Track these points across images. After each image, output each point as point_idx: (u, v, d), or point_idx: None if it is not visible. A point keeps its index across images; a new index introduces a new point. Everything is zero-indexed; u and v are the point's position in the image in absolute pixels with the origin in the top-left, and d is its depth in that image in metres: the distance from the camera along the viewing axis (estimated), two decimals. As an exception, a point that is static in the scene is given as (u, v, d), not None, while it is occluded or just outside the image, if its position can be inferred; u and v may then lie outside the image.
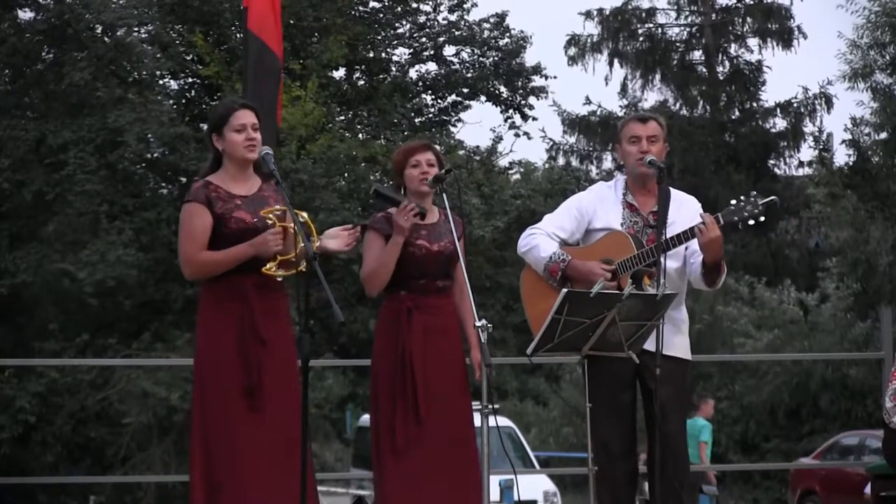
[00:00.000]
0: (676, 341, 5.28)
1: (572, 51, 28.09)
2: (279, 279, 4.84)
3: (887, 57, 21.96)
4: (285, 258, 4.83)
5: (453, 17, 21.48)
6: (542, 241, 5.36)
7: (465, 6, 21.48)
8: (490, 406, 5.04)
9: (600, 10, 28.11)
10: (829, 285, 22.40)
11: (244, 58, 7.46)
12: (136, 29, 18.49)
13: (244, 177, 4.97)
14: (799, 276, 24.86)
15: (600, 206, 5.39)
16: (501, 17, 21.43)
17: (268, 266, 4.82)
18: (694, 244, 5.16)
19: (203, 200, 4.87)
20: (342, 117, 20.32)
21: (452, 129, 21.65)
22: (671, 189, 5.43)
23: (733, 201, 5.12)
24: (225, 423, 4.80)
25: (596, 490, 5.27)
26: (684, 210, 5.30)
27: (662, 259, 5.14)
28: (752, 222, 5.06)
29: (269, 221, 4.83)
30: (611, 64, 28.18)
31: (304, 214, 4.87)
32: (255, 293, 4.84)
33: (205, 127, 19.45)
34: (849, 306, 21.19)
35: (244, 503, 4.76)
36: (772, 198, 5.17)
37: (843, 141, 21.99)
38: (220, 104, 5.19)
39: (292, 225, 4.76)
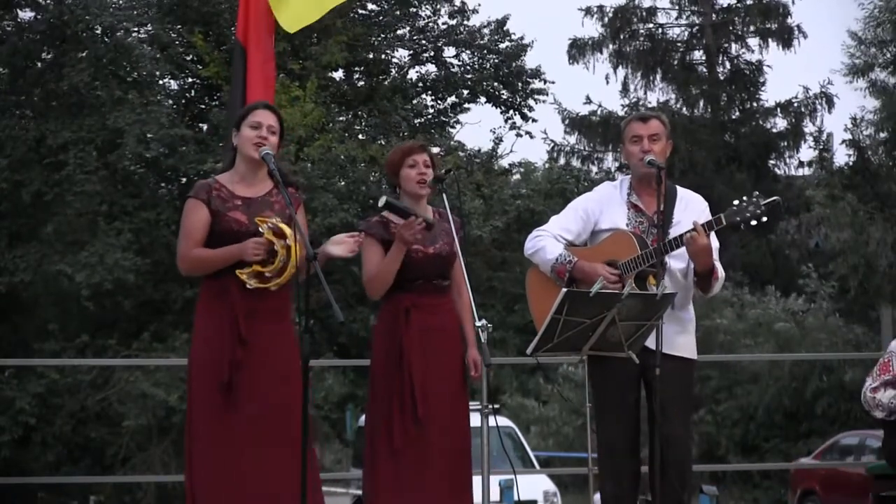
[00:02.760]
0: (681, 341, 5.27)
1: (574, 51, 28.10)
2: (249, 287, 4.83)
3: (888, 55, 21.96)
4: (260, 269, 4.83)
5: (453, 23, 21.50)
6: (548, 242, 5.37)
7: (465, 13, 21.50)
8: (490, 406, 5.04)
9: (601, 8, 28.13)
10: (818, 288, 22.36)
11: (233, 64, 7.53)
12: (135, 29, 18.49)
13: (254, 178, 4.99)
14: (798, 277, 24.83)
15: (606, 206, 5.39)
16: (502, 22, 21.44)
17: (242, 270, 4.83)
18: None
19: (202, 197, 4.90)
20: (342, 118, 20.32)
21: (451, 130, 21.67)
22: (678, 188, 5.42)
23: (736, 201, 5.12)
24: (204, 418, 4.84)
25: (599, 489, 5.27)
26: (690, 209, 5.31)
27: (665, 260, 5.14)
28: (754, 223, 5.06)
29: (260, 230, 4.84)
30: (613, 64, 28.19)
31: (304, 231, 4.88)
32: (239, 293, 4.85)
33: (205, 127, 19.61)
34: (841, 308, 21.18)
35: (220, 499, 4.77)
36: (774, 198, 5.17)
37: (843, 141, 21.99)
38: (248, 105, 5.25)
39: (277, 240, 4.77)
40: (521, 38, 21.37)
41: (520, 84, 21.47)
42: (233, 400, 4.82)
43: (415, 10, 21.49)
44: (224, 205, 4.90)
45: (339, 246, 5.01)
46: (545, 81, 21.59)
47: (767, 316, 22.08)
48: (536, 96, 21.68)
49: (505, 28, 21.39)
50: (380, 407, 5.16)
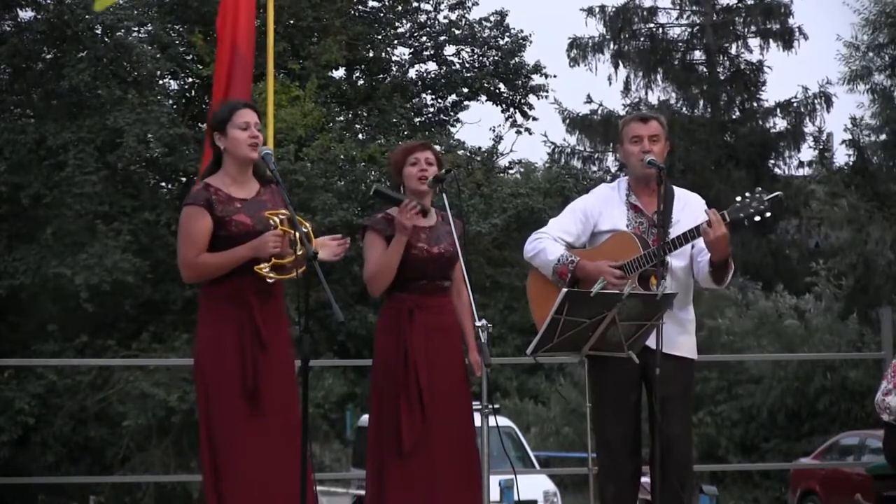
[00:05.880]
0: (681, 341, 5.26)
1: (574, 52, 28.10)
2: (270, 281, 4.82)
3: (886, 58, 21.98)
4: (280, 262, 4.81)
5: (454, 16, 21.52)
6: (548, 244, 5.35)
7: (465, 5, 21.51)
8: (490, 406, 5.03)
9: (602, 8, 28.14)
10: (824, 288, 22.36)
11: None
12: (135, 29, 18.49)
13: (244, 179, 4.95)
14: (798, 277, 24.85)
15: (605, 207, 5.37)
16: (502, 16, 21.45)
17: (261, 266, 4.80)
18: (701, 242, 5.12)
19: (203, 203, 4.83)
20: (341, 118, 20.32)
21: (452, 129, 21.68)
22: (675, 188, 5.41)
23: (738, 198, 5.08)
24: (229, 426, 4.78)
25: (599, 489, 5.26)
26: (689, 209, 5.29)
27: (668, 259, 5.13)
28: (758, 218, 5.02)
29: (272, 223, 4.82)
30: (615, 64, 28.20)
31: (307, 224, 4.87)
32: (255, 296, 4.82)
33: (205, 127, 19.61)
34: (840, 309, 21.16)
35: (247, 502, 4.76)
36: (777, 193, 5.13)
37: (843, 141, 22.00)
38: (223, 104, 5.18)
39: (292, 231, 4.75)
40: (521, 32, 21.39)
41: (520, 81, 21.49)
42: (257, 404, 4.79)
43: (416, 4, 21.51)
44: (226, 209, 4.84)
45: (323, 249, 4.98)
46: (546, 76, 21.60)
47: (774, 312, 22.04)
48: (538, 93, 21.70)
49: (505, 24, 21.40)
50: (386, 407, 5.13)
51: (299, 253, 4.73)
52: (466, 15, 21.54)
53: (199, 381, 4.87)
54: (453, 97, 21.85)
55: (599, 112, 27.70)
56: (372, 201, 17.36)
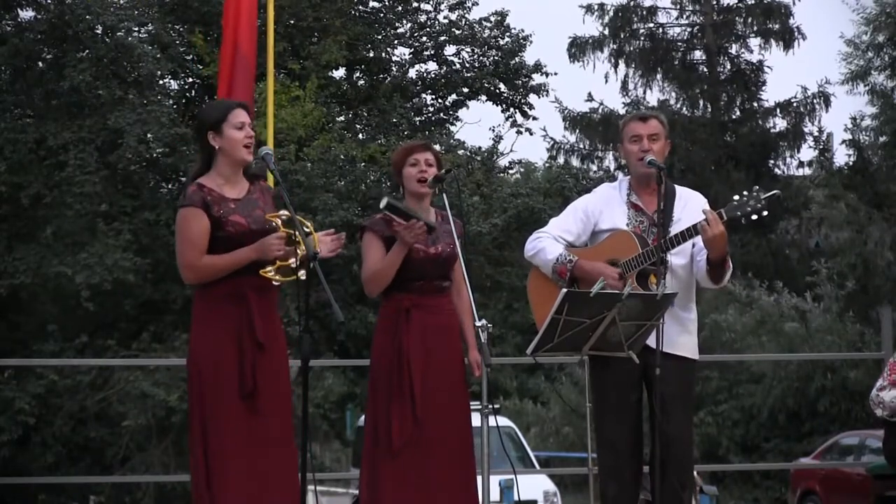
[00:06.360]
0: (682, 340, 5.25)
1: (574, 50, 28.09)
2: (276, 283, 4.82)
3: (885, 58, 22.00)
4: (284, 264, 4.80)
5: (454, 16, 21.53)
6: (548, 243, 5.35)
7: (465, 5, 21.52)
8: (490, 406, 5.04)
9: (601, 6, 28.12)
10: (825, 288, 22.36)
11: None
12: (135, 29, 18.49)
13: (236, 179, 4.93)
14: (798, 277, 24.83)
15: (606, 207, 5.37)
16: (502, 16, 21.46)
17: (266, 269, 4.79)
18: (701, 241, 5.13)
19: (200, 204, 4.80)
20: (342, 118, 20.33)
21: (452, 128, 21.68)
22: (676, 186, 5.41)
23: (736, 197, 5.08)
24: (224, 425, 4.76)
25: (600, 489, 5.26)
26: (689, 207, 5.29)
27: (667, 258, 5.12)
28: (755, 217, 5.03)
29: (274, 224, 4.81)
30: (615, 64, 28.18)
31: (309, 224, 4.86)
32: (254, 292, 4.81)
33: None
34: (841, 308, 21.17)
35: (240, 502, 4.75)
36: (774, 192, 5.14)
37: (843, 141, 22.01)
38: (216, 103, 5.16)
39: (295, 231, 4.75)
40: (522, 31, 21.41)
41: (520, 81, 21.50)
42: (255, 404, 4.78)
43: (416, 4, 21.52)
44: (221, 210, 4.83)
45: (320, 245, 4.96)
46: (546, 75, 21.60)
47: (776, 311, 22.02)
48: (538, 92, 21.70)
49: (505, 24, 21.42)
50: (380, 407, 5.15)
51: (301, 252, 4.72)
52: (466, 15, 21.57)
53: (195, 381, 4.84)
54: (453, 97, 21.86)
55: (600, 111, 27.68)
56: (372, 201, 17.36)
